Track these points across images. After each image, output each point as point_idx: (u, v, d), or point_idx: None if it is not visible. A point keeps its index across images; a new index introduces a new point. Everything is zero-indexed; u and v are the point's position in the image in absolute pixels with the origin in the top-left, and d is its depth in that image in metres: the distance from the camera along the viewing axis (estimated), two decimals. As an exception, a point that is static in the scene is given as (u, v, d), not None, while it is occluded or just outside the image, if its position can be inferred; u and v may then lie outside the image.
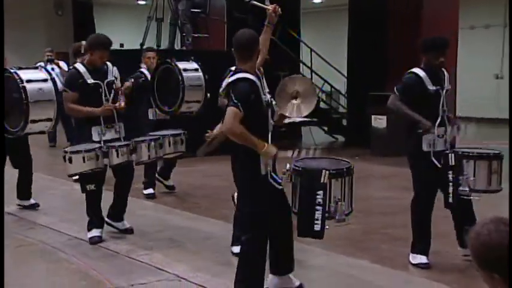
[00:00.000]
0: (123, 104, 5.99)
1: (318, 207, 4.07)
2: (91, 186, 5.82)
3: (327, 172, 4.09)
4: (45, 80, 6.01)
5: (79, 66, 5.93)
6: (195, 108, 7.02)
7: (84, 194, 5.94)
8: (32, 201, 7.27)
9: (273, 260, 4.57)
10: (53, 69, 7.76)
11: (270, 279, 4.55)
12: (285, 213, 4.41)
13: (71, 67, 5.95)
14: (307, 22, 16.58)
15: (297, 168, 4.29)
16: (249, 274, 4.33)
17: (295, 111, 4.93)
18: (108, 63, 6.01)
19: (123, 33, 20.38)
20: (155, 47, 12.24)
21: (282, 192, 4.36)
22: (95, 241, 5.89)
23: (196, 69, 7.01)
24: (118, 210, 6.20)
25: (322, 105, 15.16)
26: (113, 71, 6.05)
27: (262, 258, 4.35)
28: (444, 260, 5.36)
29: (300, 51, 14.83)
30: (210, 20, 13.11)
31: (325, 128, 14.70)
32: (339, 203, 4.18)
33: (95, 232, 5.94)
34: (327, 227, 4.14)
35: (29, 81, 5.86)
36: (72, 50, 8.01)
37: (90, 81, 5.84)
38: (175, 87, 6.81)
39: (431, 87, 5.21)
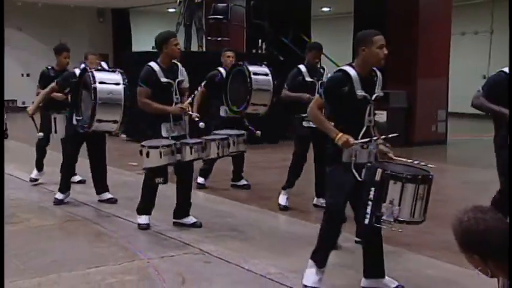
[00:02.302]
0: (190, 111, 5.57)
1: (369, 202, 3.73)
2: (159, 180, 5.40)
3: (381, 171, 3.70)
4: (117, 84, 5.64)
5: (154, 64, 5.49)
6: (261, 110, 6.67)
7: (142, 183, 5.64)
8: (109, 195, 6.78)
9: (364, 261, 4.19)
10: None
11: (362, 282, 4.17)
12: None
13: (147, 65, 5.52)
14: (317, 28, 16.48)
15: (370, 165, 3.90)
16: (317, 256, 4.13)
17: None
18: (178, 63, 5.59)
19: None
20: (183, 49, 12.28)
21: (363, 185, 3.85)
22: (143, 228, 5.59)
23: (266, 74, 6.61)
24: (184, 207, 5.76)
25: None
26: (182, 71, 5.62)
27: (328, 248, 4.12)
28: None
29: (310, 54, 14.78)
30: (231, 25, 13.10)
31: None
32: (391, 205, 3.68)
33: (145, 219, 5.64)
34: (395, 229, 3.75)
35: (101, 82, 5.53)
36: None
37: (164, 79, 5.43)
38: (244, 89, 6.51)
39: None
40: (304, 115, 5.81)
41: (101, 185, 6.75)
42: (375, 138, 4.00)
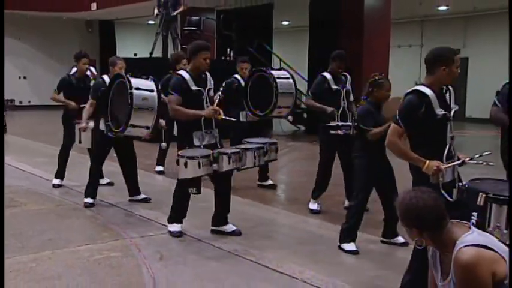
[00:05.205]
0: (222, 114, 4.74)
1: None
2: (193, 190, 4.63)
3: (484, 195, 2.95)
4: (151, 90, 5.04)
5: (184, 73, 4.78)
6: (284, 113, 6.08)
7: (174, 192, 4.93)
8: (143, 195, 6.11)
9: None
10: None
11: None
12: None
13: (177, 73, 4.87)
14: (278, 39, 16.51)
15: (462, 185, 3.28)
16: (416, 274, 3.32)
17: None
18: (206, 72, 4.88)
19: (136, 46, 20.19)
20: (162, 56, 12.15)
21: (456, 206, 3.16)
22: (175, 235, 4.85)
23: (288, 78, 5.98)
24: (223, 215, 5.01)
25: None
26: (211, 80, 4.90)
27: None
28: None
29: (271, 60, 14.78)
30: (203, 35, 13.08)
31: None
32: (498, 230, 2.93)
33: (176, 227, 4.90)
34: None
35: (137, 88, 4.95)
36: (172, 59, 6.91)
37: (194, 88, 4.70)
38: (268, 93, 5.82)
39: None
40: (330, 124, 5.35)
41: (134, 188, 6.10)
42: (467, 159, 3.38)
